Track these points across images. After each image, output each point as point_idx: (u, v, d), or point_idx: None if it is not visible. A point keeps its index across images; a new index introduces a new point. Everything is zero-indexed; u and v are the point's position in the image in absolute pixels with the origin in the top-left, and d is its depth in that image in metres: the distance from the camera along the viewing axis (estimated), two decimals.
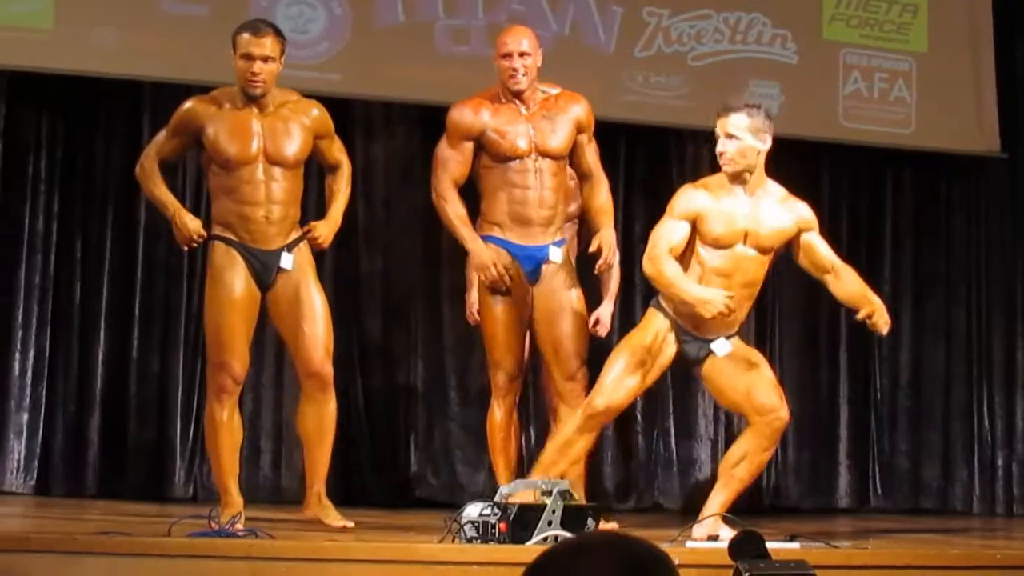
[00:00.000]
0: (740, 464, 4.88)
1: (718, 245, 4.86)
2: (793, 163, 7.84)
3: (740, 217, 4.87)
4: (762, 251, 4.90)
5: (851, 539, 5.17)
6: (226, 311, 5.01)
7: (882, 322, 4.92)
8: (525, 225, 5.19)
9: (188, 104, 5.14)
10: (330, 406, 5.17)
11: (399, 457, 7.20)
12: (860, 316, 4.92)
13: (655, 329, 4.92)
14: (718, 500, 4.87)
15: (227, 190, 5.08)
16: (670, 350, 4.93)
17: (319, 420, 5.17)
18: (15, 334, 6.85)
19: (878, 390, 7.87)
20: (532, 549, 4.09)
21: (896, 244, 8.01)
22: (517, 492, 4.38)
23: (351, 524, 5.00)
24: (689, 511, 6.05)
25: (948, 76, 7.68)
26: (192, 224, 5.06)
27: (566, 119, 5.26)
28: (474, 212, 5.35)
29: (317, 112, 5.22)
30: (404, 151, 7.36)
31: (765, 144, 4.86)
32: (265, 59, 5.06)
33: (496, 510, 4.22)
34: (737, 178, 4.88)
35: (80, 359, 6.90)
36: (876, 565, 4.51)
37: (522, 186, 5.20)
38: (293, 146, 5.11)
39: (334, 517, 5.08)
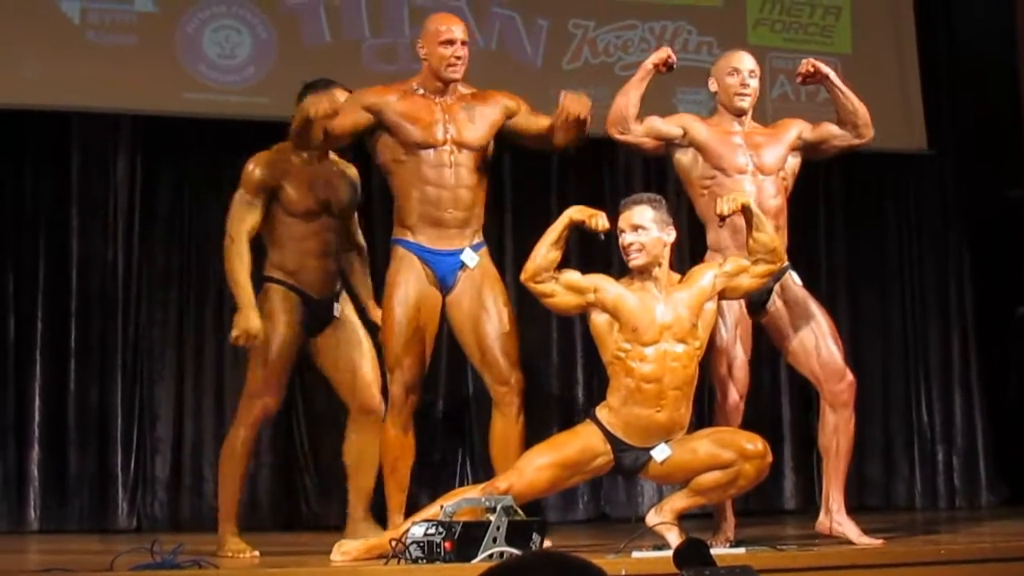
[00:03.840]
0: (712, 492, 4.81)
1: (641, 341, 4.69)
2: None
3: (659, 312, 4.73)
4: (684, 341, 4.74)
5: (797, 541, 5.19)
6: (274, 350, 5.23)
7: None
8: (437, 227, 5.01)
9: (259, 167, 5.33)
10: (380, 437, 5.24)
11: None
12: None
13: (583, 446, 4.74)
14: (680, 504, 4.83)
15: (297, 239, 5.29)
16: (599, 462, 4.77)
17: (374, 450, 5.28)
18: None
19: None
20: (478, 567, 4.09)
21: (829, 243, 8.09)
22: (461, 510, 4.38)
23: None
24: (636, 520, 6.06)
25: (873, 76, 7.76)
26: (256, 325, 5.14)
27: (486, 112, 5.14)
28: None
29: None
30: None
31: (670, 236, 4.79)
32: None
33: (441, 529, 4.21)
34: (646, 272, 4.77)
35: (17, 393, 6.83)
36: (822, 567, 4.54)
37: (436, 183, 5.02)
38: (346, 195, 5.45)
39: (376, 531, 5.13)
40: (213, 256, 7.14)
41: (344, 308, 5.38)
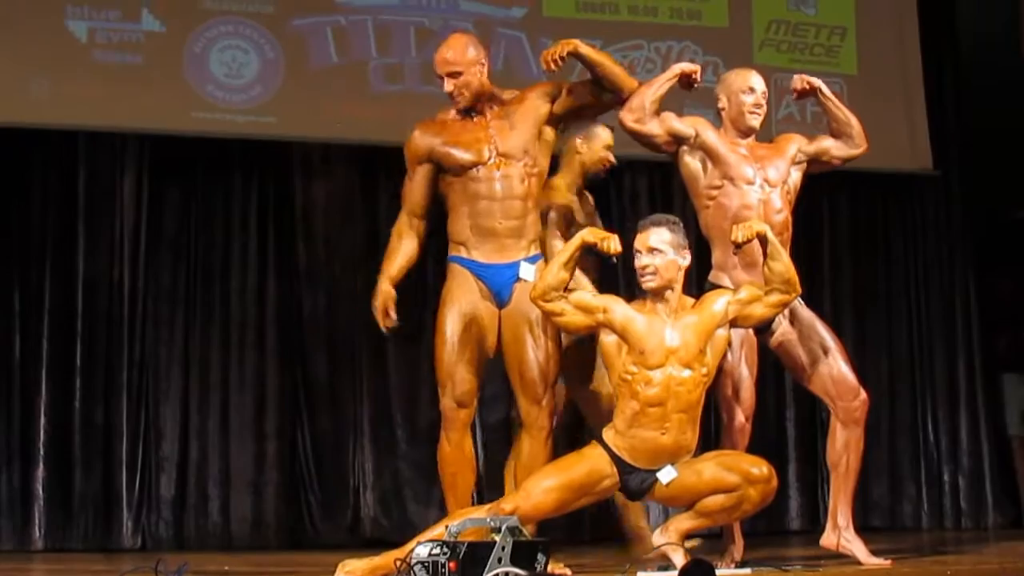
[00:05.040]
0: (717, 515, 4.78)
1: (647, 365, 4.69)
2: None
3: (667, 336, 4.72)
4: (691, 367, 4.73)
5: (802, 562, 5.17)
6: None
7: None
8: (491, 239, 4.99)
9: None
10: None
11: (348, 498, 7.17)
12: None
13: (590, 468, 4.72)
14: (685, 525, 4.82)
15: None
16: (606, 485, 4.74)
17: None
18: None
19: (824, 409, 7.91)
20: None
21: (835, 264, 8.09)
22: (466, 530, 4.37)
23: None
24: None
25: (879, 96, 7.78)
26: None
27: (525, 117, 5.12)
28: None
29: None
30: (343, 190, 7.37)
31: (685, 260, 4.77)
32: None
33: (446, 549, 4.20)
34: (658, 295, 4.75)
35: (22, 411, 6.83)
36: None
37: (486, 197, 5.00)
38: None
39: None
40: (219, 275, 7.17)
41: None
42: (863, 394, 5.16)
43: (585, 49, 5.07)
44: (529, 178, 5.03)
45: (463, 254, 5.01)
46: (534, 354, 4.97)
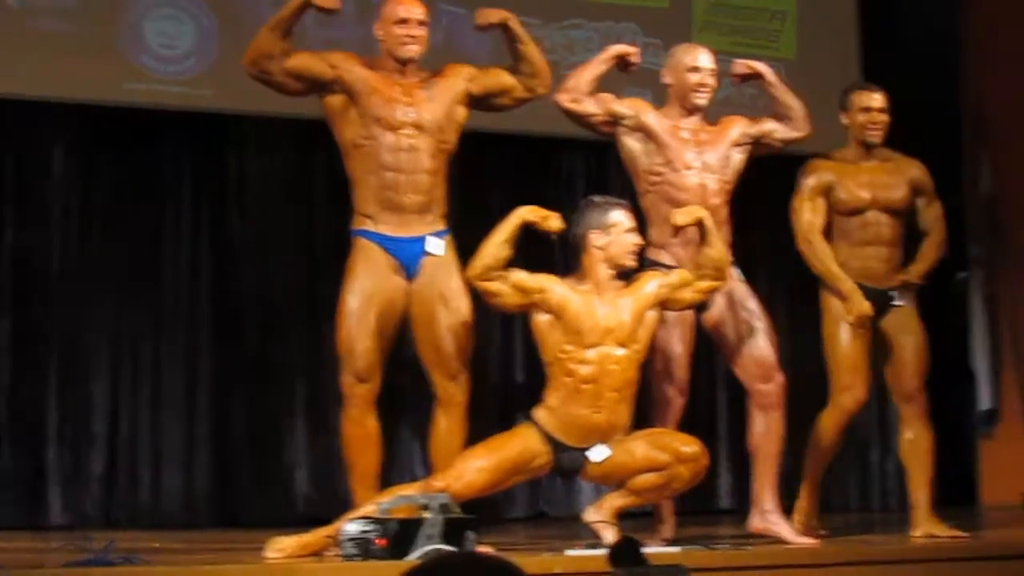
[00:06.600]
0: (648, 493, 4.83)
1: (583, 344, 4.71)
2: None
3: (601, 316, 4.76)
4: (625, 345, 4.76)
5: (732, 541, 5.21)
6: (849, 344, 5.66)
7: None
8: (396, 212, 4.96)
9: (816, 172, 5.79)
10: None
11: (282, 475, 7.14)
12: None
13: (522, 447, 4.73)
14: (618, 503, 4.83)
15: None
16: (538, 463, 4.76)
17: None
18: None
19: None
20: (413, 564, 4.07)
21: (773, 247, 8.11)
22: (397, 507, 4.36)
23: None
24: (574, 519, 6.06)
25: (816, 82, 7.78)
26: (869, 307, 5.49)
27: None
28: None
29: None
30: (281, 166, 7.31)
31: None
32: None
33: (376, 526, 4.20)
34: (610, 274, 4.85)
35: None
36: (756, 566, 4.57)
37: (394, 168, 4.96)
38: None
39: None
40: (151, 250, 7.09)
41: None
42: (779, 377, 5.18)
43: (516, 24, 5.10)
44: (440, 154, 5.02)
45: (369, 227, 4.96)
46: (448, 329, 4.96)
